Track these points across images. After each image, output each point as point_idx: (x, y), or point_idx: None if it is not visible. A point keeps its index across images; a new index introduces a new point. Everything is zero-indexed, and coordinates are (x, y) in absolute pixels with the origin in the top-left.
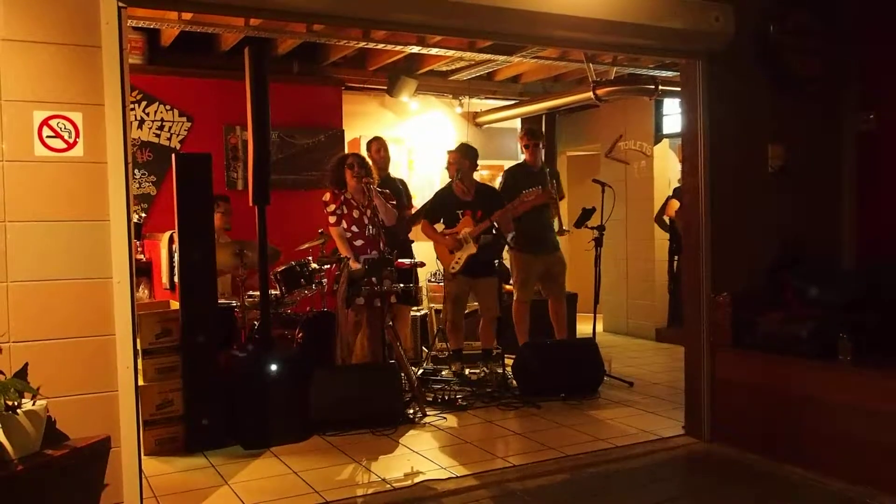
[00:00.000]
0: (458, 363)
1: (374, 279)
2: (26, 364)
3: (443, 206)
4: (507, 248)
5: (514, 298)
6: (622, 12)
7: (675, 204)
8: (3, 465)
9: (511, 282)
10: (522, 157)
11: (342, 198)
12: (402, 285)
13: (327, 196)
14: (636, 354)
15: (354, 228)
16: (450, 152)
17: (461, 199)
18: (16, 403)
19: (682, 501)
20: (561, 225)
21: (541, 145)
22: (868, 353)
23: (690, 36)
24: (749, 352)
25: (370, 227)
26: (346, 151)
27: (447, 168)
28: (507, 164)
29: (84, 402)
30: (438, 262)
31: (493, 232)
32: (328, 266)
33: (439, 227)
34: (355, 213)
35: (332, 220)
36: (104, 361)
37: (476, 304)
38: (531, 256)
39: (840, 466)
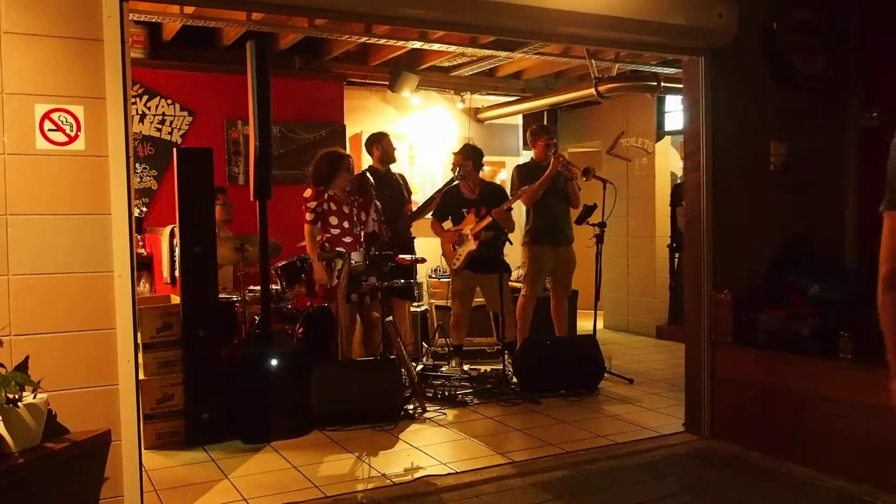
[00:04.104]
0: (457, 359)
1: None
2: (27, 357)
3: (450, 205)
4: (510, 243)
5: (522, 293)
6: (625, 8)
7: None
8: (3, 457)
9: (521, 276)
10: (527, 154)
11: (326, 195)
12: (401, 281)
13: (308, 192)
14: (637, 351)
15: (345, 224)
16: (454, 154)
17: (467, 197)
18: (17, 396)
19: (682, 498)
20: (589, 170)
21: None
22: (869, 351)
23: (693, 32)
24: (750, 349)
25: (360, 224)
26: (344, 150)
27: (451, 169)
28: (509, 159)
29: (85, 395)
30: (443, 258)
31: (494, 231)
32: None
33: (448, 225)
34: (345, 209)
35: (309, 216)
36: (105, 355)
37: (481, 299)
38: (545, 248)
39: (841, 464)
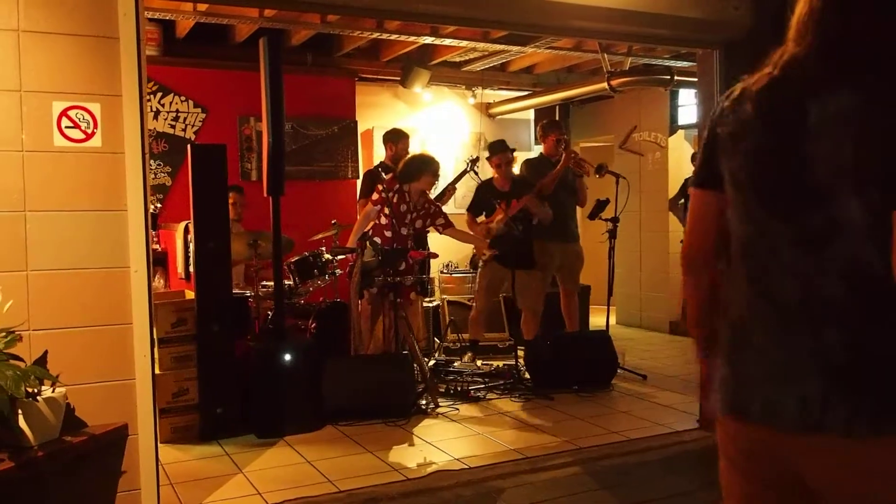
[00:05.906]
0: (470, 354)
1: (387, 270)
2: (46, 352)
3: (483, 199)
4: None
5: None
6: (638, 2)
7: None
8: (23, 451)
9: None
10: (539, 150)
11: (397, 186)
12: (411, 277)
13: (388, 176)
14: (650, 347)
15: (394, 220)
16: (496, 156)
17: (499, 190)
18: (36, 390)
19: (697, 495)
20: (603, 167)
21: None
22: None
23: (708, 25)
24: None
25: (409, 228)
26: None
27: (497, 169)
28: (520, 154)
29: (102, 389)
30: (474, 250)
31: (519, 227)
32: (342, 256)
33: (481, 219)
34: (402, 208)
35: (374, 196)
36: (121, 350)
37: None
38: (550, 244)
39: None
